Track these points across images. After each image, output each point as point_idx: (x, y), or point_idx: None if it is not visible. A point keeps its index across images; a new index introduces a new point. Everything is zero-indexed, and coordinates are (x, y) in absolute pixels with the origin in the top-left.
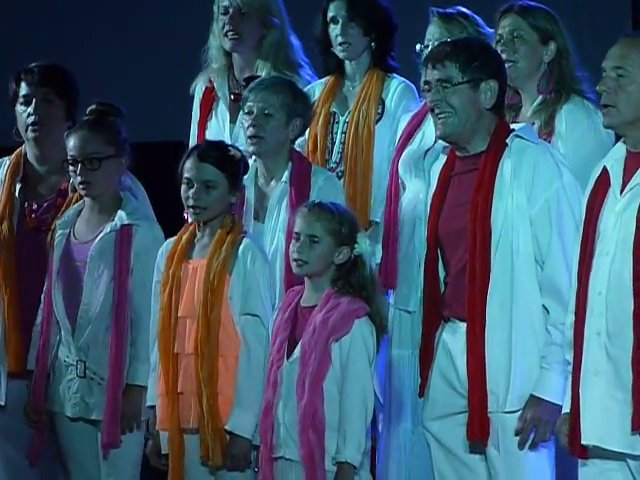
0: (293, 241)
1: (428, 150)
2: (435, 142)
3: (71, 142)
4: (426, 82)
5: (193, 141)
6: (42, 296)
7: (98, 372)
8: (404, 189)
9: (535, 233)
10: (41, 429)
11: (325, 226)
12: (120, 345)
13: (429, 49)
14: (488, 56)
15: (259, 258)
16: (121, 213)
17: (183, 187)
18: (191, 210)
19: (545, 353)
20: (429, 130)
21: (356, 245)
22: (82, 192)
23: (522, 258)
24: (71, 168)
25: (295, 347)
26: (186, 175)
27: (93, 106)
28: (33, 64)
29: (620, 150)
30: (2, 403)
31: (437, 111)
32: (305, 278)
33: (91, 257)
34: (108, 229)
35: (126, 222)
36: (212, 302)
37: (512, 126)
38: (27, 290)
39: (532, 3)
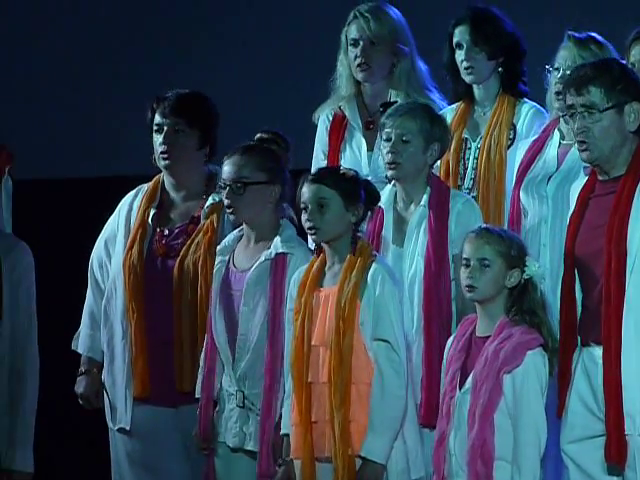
0: (462, 268)
1: (551, 176)
2: (557, 168)
3: (225, 166)
4: (570, 107)
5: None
6: (207, 324)
7: (256, 402)
8: (526, 216)
9: None
10: (212, 458)
11: (495, 249)
12: (273, 376)
13: (559, 72)
14: (629, 78)
15: (388, 282)
16: (277, 241)
17: (302, 214)
18: (309, 232)
19: None
20: (550, 156)
21: (526, 268)
22: (230, 217)
23: None
24: (223, 192)
25: (468, 377)
26: (302, 200)
27: (259, 134)
28: (170, 92)
29: None
30: (127, 427)
31: (582, 138)
32: (477, 306)
33: (247, 286)
34: (263, 258)
35: (280, 250)
36: (344, 329)
37: None
38: (154, 316)
39: None
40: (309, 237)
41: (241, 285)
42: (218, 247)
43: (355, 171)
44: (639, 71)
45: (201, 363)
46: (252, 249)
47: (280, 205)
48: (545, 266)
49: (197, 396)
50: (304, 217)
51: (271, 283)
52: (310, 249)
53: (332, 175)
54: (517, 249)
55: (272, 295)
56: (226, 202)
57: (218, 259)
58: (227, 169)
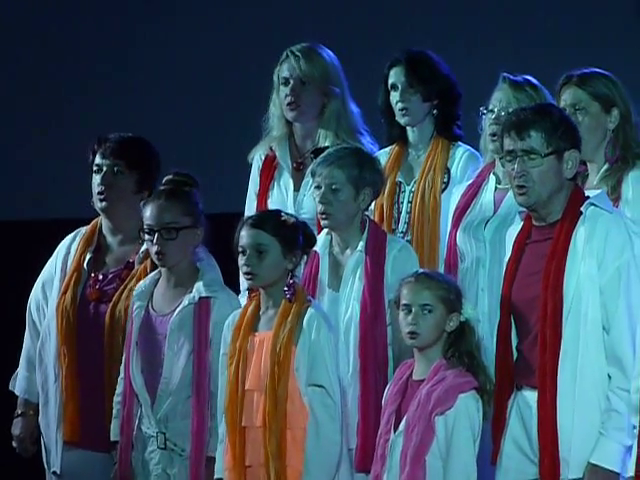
0: (403, 314)
1: (488, 220)
2: (494, 212)
3: (148, 211)
4: (509, 152)
5: (251, 210)
6: (121, 367)
7: (179, 443)
8: (463, 260)
9: (603, 301)
10: None
11: (436, 294)
12: (201, 417)
13: (494, 115)
14: (568, 124)
15: (324, 328)
16: (199, 285)
17: (239, 257)
18: (246, 277)
19: (604, 419)
20: (486, 200)
21: (462, 311)
22: (158, 262)
23: (590, 326)
24: (147, 237)
25: (402, 420)
26: (240, 244)
27: (170, 176)
28: (111, 134)
29: None
30: (57, 471)
31: (521, 182)
32: (415, 351)
33: (171, 330)
34: (186, 302)
35: (204, 294)
36: (279, 374)
37: (587, 193)
38: (85, 360)
39: (590, 70)
40: (242, 280)
41: (164, 329)
42: (135, 292)
43: (295, 217)
44: (570, 116)
45: (116, 406)
46: (172, 293)
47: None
48: (483, 310)
49: (113, 439)
50: (241, 261)
51: (195, 327)
52: (231, 291)
53: (273, 221)
54: (455, 293)
55: (197, 339)
56: (156, 248)
57: (136, 304)
58: (152, 215)
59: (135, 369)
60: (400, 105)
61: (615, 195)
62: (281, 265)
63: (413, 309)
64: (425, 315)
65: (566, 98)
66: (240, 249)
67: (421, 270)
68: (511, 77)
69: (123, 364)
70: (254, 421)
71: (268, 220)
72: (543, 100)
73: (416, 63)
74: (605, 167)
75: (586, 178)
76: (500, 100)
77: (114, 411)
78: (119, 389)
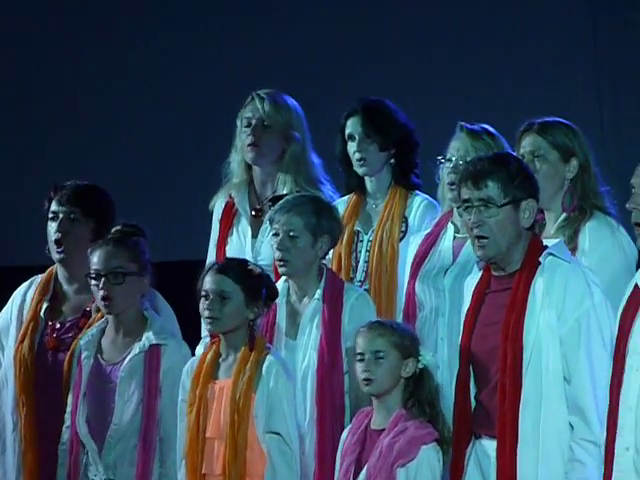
0: (358, 362)
1: (447, 269)
2: (453, 261)
3: (95, 257)
4: (466, 201)
5: (212, 257)
6: (66, 415)
7: None
8: (422, 309)
9: (564, 352)
10: None
11: (388, 340)
12: (147, 465)
13: (452, 164)
14: (526, 174)
15: (282, 376)
16: (148, 333)
17: (201, 301)
18: (206, 321)
19: (567, 469)
20: (445, 248)
21: (420, 357)
22: (104, 309)
23: (551, 376)
24: (93, 282)
25: (362, 470)
26: (203, 288)
27: (118, 226)
28: (68, 182)
29: None
30: None
31: (478, 232)
32: (373, 399)
33: (121, 378)
34: (137, 350)
35: (154, 342)
36: (239, 422)
37: (545, 242)
38: (44, 408)
39: (552, 119)
40: (203, 326)
41: (113, 378)
42: (82, 341)
43: (261, 268)
44: (529, 163)
45: (62, 454)
46: (121, 342)
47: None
48: (443, 359)
49: None
50: (203, 305)
51: (146, 374)
52: (181, 338)
53: (238, 269)
54: (410, 339)
55: (147, 386)
56: (102, 293)
57: (84, 354)
58: (99, 260)
59: (81, 418)
60: (358, 155)
61: (572, 245)
62: (242, 313)
63: (366, 356)
64: (378, 361)
65: (525, 145)
66: (203, 293)
67: (375, 319)
68: (468, 126)
69: (68, 412)
70: (214, 468)
71: (234, 268)
72: (501, 148)
73: (372, 113)
74: (562, 217)
75: (543, 227)
76: (458, 149)
77: (59, 459)
78: (64, 437)
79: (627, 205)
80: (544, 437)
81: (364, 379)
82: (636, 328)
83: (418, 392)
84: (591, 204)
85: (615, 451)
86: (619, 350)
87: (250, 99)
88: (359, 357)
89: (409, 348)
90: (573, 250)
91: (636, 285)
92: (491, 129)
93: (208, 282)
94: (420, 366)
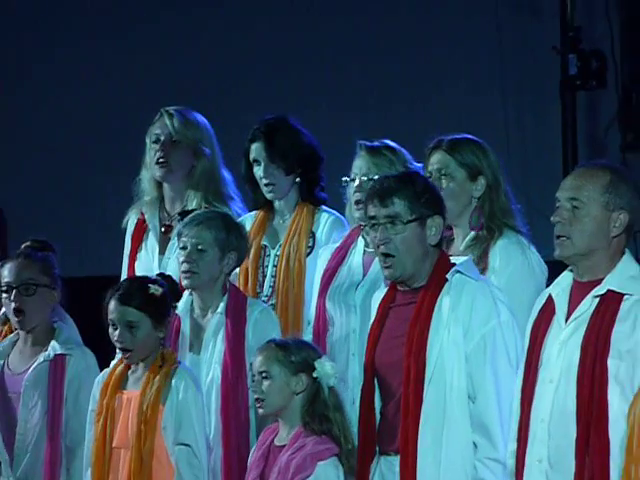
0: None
1: (358, 285)
2: (364, 276)
3: (6, 270)
4: (372, 217)
5: (124, 275)
6: None
7: None
8: (332, 325)
9: (469, 369)
10: None
11: (272, 358)
12: (53, 475)
13: (356, 183)
14: (432, 192)
15: (192, 388)
16: (54, 343)
17: (110, 328)
18: (121, 353)
19: None
20: (355, 264)
21: (315, 371)
22: (16, 322)
23: (455, 393)
24: (4, 296)
25: None
26: (110, 317)
27: (27, 242)
28: None
29: (566, 279)
30: None
31: (384, 250)
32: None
33: (25, 387)
34: (41, 359)
35: (59, 352)
36: (146, 433)
37: (453, 259)
38: None
39: (461, 137)
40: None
41: (17, 387)
42: None
43: (161, 282)
44: (436, 180)
45: None
46: (27, 352)
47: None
48: (354, 375)
49: None
50: (114, 334)
51: (50, 384)
52: (86, 348)
53: (140, 296)
54: (300, 354)
55: (52, 395)
56: (14, 305)
57: None
58: (11, 272)
59: None
60: (265, 181)
61: (482, 265)
62: (153, 336)
63: (255, 377)
64: (264, 381)
65: (434, 162)
66: (110, 322)
67: (270, 339)
68: (367, 143)
69: None
70: (120, 478)
71: (135, 296)
72: (403, 161)
73: (275, 137)
74: (471, 235)
75: (452, 242)
76: (360, 167)
77: None
78: None
79: (552, 218)
80: (447, 455)
81: (256, 399)
82: (549, 340)
83: (314, 406)
84: (500, 223)
85: (526, 463)
86: (530, 362)
87: (159, 116)
88: (253, 377)
89: (298, 364)
90: (483, 270)
91: (549, 296)
92: (391, 144)
93: (113, 311)
94: (316, 379)
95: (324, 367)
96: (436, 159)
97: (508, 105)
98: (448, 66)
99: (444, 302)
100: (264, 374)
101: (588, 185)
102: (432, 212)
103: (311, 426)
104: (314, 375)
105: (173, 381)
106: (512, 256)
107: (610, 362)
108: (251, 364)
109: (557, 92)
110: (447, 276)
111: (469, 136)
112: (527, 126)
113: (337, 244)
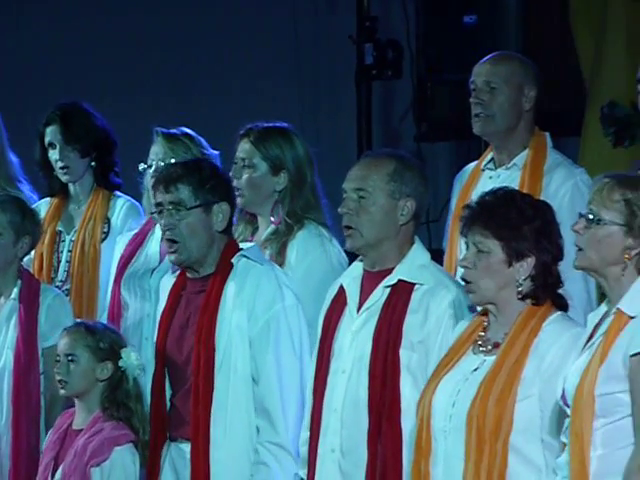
0: (55, 364)
1: (154, 270)
2: (161, 261)
3: None
4: (158, 204)
5: None
6: None
7: None
8: (127, 310)
9: (253, 353)
10: None
11: (82, 343)
12: None
13: (153, 169)
14: (220, 178)
15: None
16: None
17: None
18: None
19: (253, 472)
20: (152, 250)
21: (120, 360)
22: None
23: (240, 378)
24: None
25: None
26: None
27: None
28: None
29: (357, 269)
30: None
31: (169, 236)
32: (76, 400)
33: None
34: None
35: None
36: None
37: (241, 245)
38: None
39: (272, 126)
40: None
41: None
42: None
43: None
44: (237, 170)
45: None
46: None
47: None
48: (147, 358)
49: None
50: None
51: None
52: None
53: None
54: (108, 341)
55: None
56: None
57: None
58: None
59: None
60: (60, 164)
61: (280, 260)
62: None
63: (61, 359)
64: (70, 364)
65: (240, 151)
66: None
67: (80, 320)
68: (164, 130)
69: None
70: None
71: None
72: (200, 148)
73: (71, 120)
74: (270, 229)
75: (256, 230)
76: (157, 153)
77: None
78: None
79: (339, 209)
80: (231, 439)
81: (58, 380)
82: (341, 330)
83: (115, 394)
84: (301, 217)
85: (319, 452)
86: (323, 352)
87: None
88: (56, 359)
89: (105, 351)
90: (281, 264)
91: (341, 286)
92: (189, 131)
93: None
94: (121, 368)
95: (130, 357)
96: (242, 148)
97: (305, 95)
98: (246, 57)
99: (230, 287)
100: (70, 357)
101: (373, 175)
102: (218, 199)
103: (110, 412)
104: (119, 364)
105: None
106: (310, 249)
107: (402, 352)
108: (43, 350)
109: (353, 82)
110: (232, 261)
111: (281, 125)
112: (322, 116)
113: (135, 231)
